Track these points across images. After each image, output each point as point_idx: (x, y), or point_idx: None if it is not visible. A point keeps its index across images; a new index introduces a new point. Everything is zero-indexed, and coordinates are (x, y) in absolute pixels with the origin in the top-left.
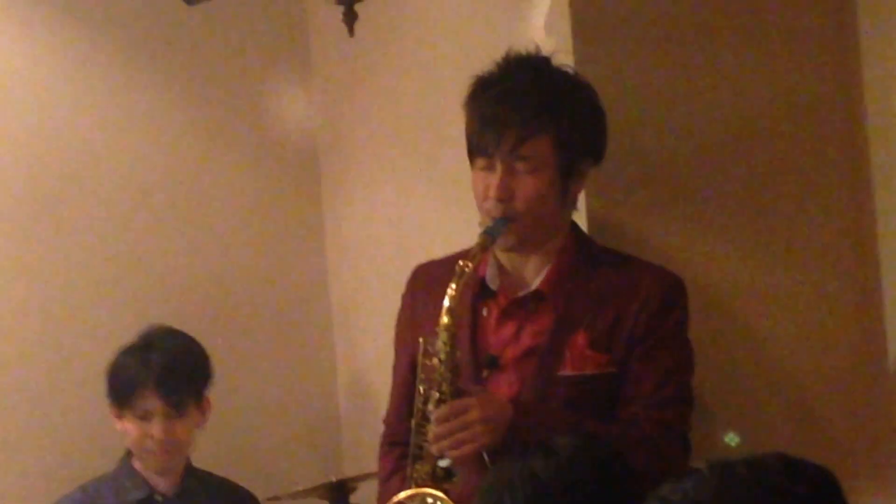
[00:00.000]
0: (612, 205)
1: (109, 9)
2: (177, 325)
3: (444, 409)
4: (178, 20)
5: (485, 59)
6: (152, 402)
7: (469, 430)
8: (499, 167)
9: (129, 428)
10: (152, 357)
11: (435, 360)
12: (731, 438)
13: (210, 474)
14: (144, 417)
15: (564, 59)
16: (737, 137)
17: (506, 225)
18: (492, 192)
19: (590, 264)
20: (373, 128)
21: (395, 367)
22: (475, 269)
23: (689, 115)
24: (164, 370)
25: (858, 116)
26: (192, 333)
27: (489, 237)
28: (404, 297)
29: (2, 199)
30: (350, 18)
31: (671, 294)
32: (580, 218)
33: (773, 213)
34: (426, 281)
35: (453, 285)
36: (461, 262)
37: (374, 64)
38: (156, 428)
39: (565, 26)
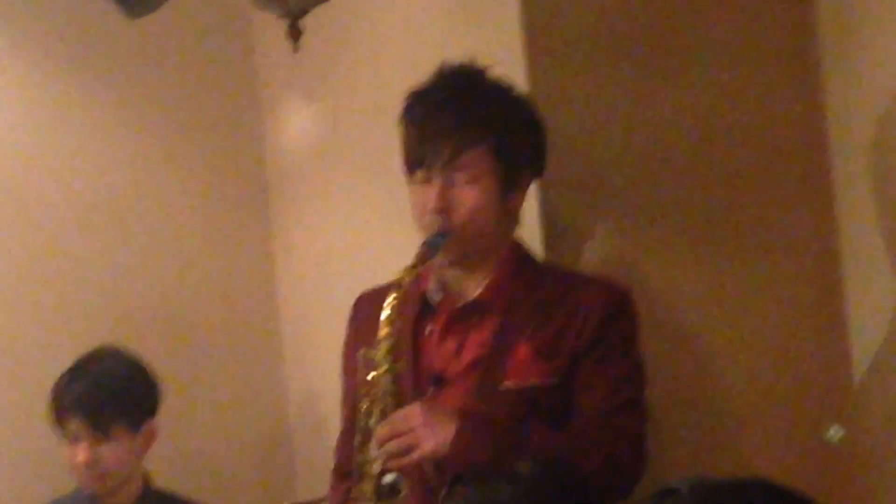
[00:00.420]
0: (567, 217)
1: (51, 25)
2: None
3: (386, 422)
4: (122, 37)
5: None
6: (77, 426)
7: (412, 436)
8: (436, 179)
9: (65, 452)
10: (80, 380)
11: (376, 374)
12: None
13: (171, 496)
14: (73, 441)
15: (517, 72)
16: (693, 149)
17: (446, 238)
18: (430, 205)
19: (532, 277)
20: (322, 146)
21: (344, 398)
22: (414, 280)
23: (645, 126)
24: (88, 393)
25: (818, 126)
26: (139, 355)
27: (429, 249)
28: (348, 327)
29: None
30: (295, 34)
31: (617, 305)
32: (535, 231)
33: (732, 226)
34: (369, 309)
35: (392, 295)
36: (399, 274)
37: (322, 82)
38: (80, 452)
39: (518, 41)
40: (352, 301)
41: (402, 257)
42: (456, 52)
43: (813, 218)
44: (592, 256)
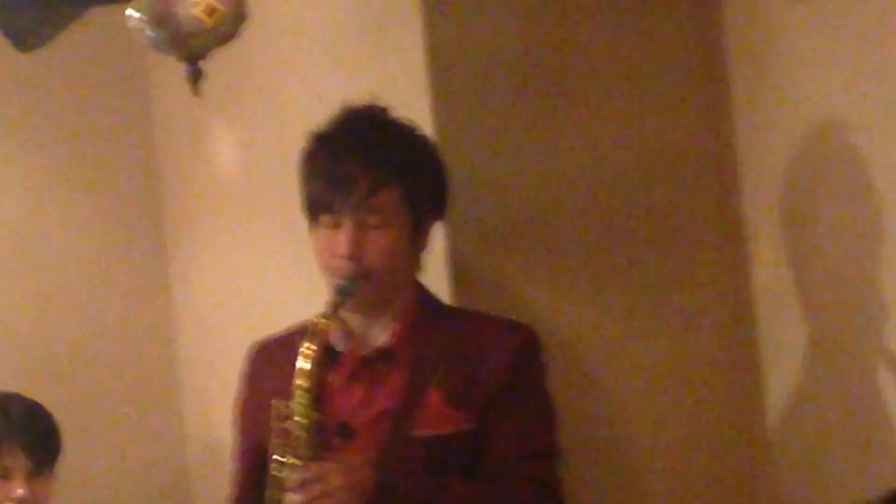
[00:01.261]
0: (475, 258)
1: None
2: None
3: (302, 474)
4: (13, 69)
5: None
6: (14, 458)
7: (333, 498)
8: (347, 223)
9: None
10: (12, 412)
11: (291, 424)
12: None
13: None
14: (4, 476)
15: (422, 111)
16: (604, 190)
17: (357, 284)
18: (341, 250)
19: (438, 321)
20: (221, 184)
21: (238, 450)
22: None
23: (551, 165)
24: (28, 425)
25: (728, 161)
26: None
27: (342, 296)
28: (243, 376)
29: None
30: (195, 76)
31: (526, 346)
32: (442, 273)
33: (641, 265)
34: (266, 359)
35: (307, 344)
36: (315, 320)
37: (221, 119)
38: (17, 485)
39: (423, 79)
40: (249, 344)
41: (303, 298)
42: (360, 90)
43: (723, 256)
44: (499, 298)
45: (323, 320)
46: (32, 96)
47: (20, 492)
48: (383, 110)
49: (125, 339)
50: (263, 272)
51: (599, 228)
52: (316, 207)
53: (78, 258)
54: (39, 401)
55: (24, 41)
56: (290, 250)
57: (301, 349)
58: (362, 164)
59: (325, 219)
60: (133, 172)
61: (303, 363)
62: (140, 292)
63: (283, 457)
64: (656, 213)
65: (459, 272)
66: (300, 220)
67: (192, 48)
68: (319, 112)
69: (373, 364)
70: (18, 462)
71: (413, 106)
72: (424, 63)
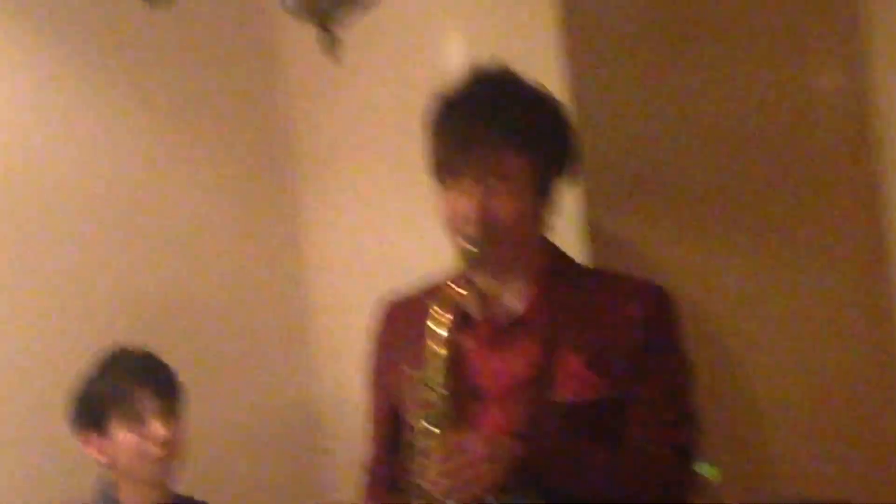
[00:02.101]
0: (610, 216)
1: (71, 17)
2: (146, 344)
3: (447, 447)
4: (139, 25)
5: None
6: (147, 402)
7: (476, 469)
8: (473, 187)
9: (122, 440)
10: (135, 361)
11: (427, 392)
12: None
13: (202, 503)
14: (141, 421)
15: (553, 65)
16: (738, 144)
17: (484, 248)
18: (468, 213)
19: (572, 284)
20: (349, 139)
21: (375, 409)
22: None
23: (687, 122)
24: (150, 369)
25: (867, 117)
26: (163, 351)
27: (470, 261)
28: (374, 334)
29: None
30: (331, 43)
31: (660, 307)
32: (576, 231)
33: (777, 223)
34: (398, 316)
35: (440, 311)
36: (450, 286)
37: (350, 76)
38: (155, 426)
39: (553, 33)
40: (379, 294)
41: (430, 253)
42: (490, 48)
43: (859, 212)
44: (633, 255)
45: (454, 286)
46: (161, 55)
47: (161, 430)
48: (512, 73)
49: (258, 290)
50: (392, 225)
51: (733, 183)
52: (442, 171)
53: (210, 215)
54: (172, 353)
55: None
56: (418, 205)
57: (434, 315)
58: (488, 128)
59: (451, 182)
60: (262, 129)
61: (437, 329)
62: (271, 246)
63: (420, 425)
64: (791, 166)
65: (594, 230)
66: (425, 174)
67: (330, 16)
68: (446, 67)
69: (508, 330)
70: (150, 404)
71: (544, 64)
72: (556, 21)
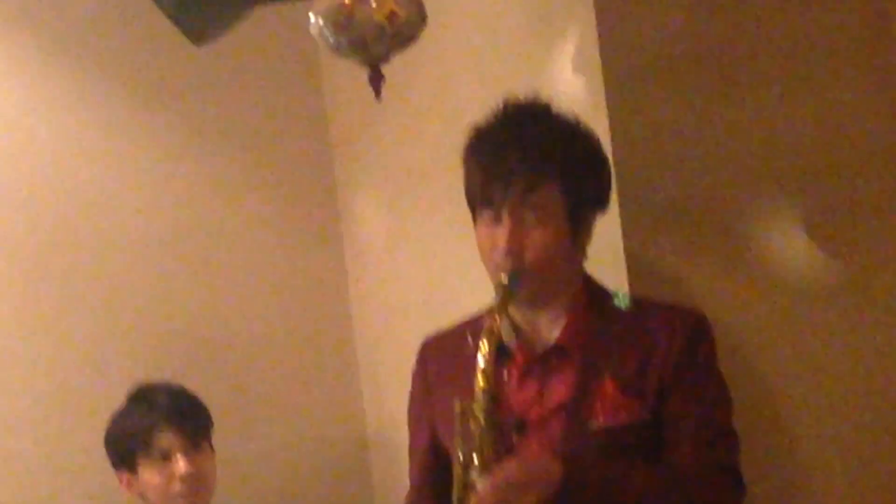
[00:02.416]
0: (648, 246)
1: (119, 53)
2: (199, 378)
3: (492, 475)
4: (186, 61)
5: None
6: (169, 439)
7: (521, 495)
8: (507, 218)
9: (147, 478)
10: (158, 398)
11: (474, 425)
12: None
13: None
14: (165, 457)
15: (594, 96)
16: (776, 176)
17: (518, 279)
18: (501, 245)
19: (607, 312)
20: (394, 179)
21: (413, 445)
22: (481, 321)
23: (724, 152)
24: (174, 406)
25: None
26: (215, 386)
27: (507, 292)
28: (415, 372)
29: (6, 253)
30: (377, 81)
31: (696, 331)
32: (618, 260)
33: (814, 252)
34: (437, 352)
35: (484, 346)
36: (489, 319)
37: (393, 111)
38: (179, 463)
39: (592, 64)
40: (425, 326)
41: (476, 286)
42: (530, 81)
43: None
44: (673, 285)
45: (493, 319)
46: (208, 91)
47: (185, 466)
48: (545, 104)
49: (305, 325)
50: (438, 260)
51: (772, 215)
52: (476, 202)
53: (258, 249)
54: (223, 384)
55: (198, 34)
56: (464, 240)
57: (472, 347)
58: (522, 159)
59: (485, 213)
60: (308, 164)
61: (481, 363)
62: (318, 280)
63: (467, 458)
64: (828, 197)
65: (631, 260)
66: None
67: (374, 53)
68: (490, 103)
69: (544, 358)
70: (175, 441)
71: (585, 95)
72: (596, 52)
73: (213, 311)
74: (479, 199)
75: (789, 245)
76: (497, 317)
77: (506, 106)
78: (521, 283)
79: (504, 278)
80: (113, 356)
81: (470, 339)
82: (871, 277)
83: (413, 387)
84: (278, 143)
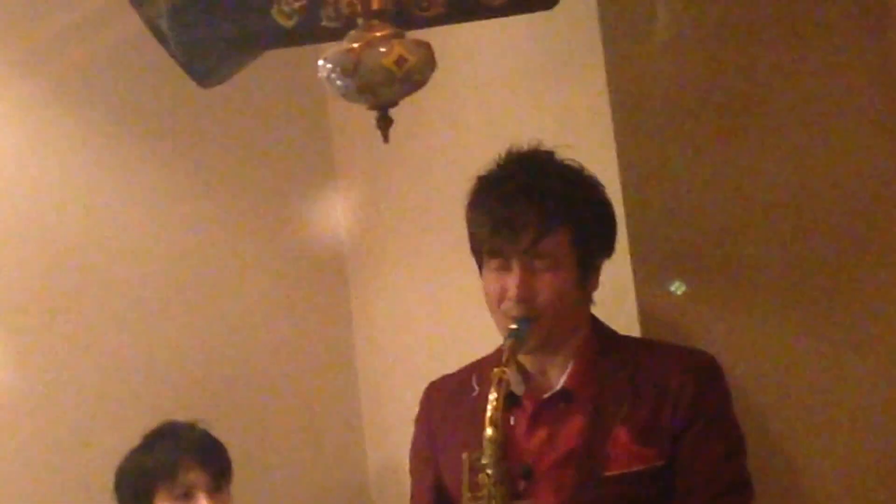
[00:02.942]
0: (659, 290)
1: (125, 94)
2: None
3: None
4: (197, 109)
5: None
6: (195, 476)
7: None
8: (516, 266)
9: None
10: (183, 435)
11: (483, 476)
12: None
13: None
14: (187, 495)
15: (604, 141)
16: (787, 219)
17: (528, 326)
18: (511, 293)
19: (617, 357)
20: (402, 222)
21: (416, 491)
22: (489, 367)
23: (738, 198)
24: (201, 444)
25: None
26: (220, 429)
27: (518, 339)
28: (419, 417)
29: (8, 290)
30: (385, 125)
31: (707, 375)
32: (629, 306)
33: (823, 297)
34: (442, 397)
35: (494, 394)
36: (497, 370)
37: (402, 156)
38: (202, 502)
39: (602, 111)
40: (429, 370)
41: (483, 333)
42: (541, 126)
43: None
44: (684, 328)
45: (502, 368)
46: (217, 134)
47: None
48: (548, 152)
49: (310, 368)
50: (442, 305)
51: (783, 258)
52: (484, 250)
53: (264, 289)
54: (226, 425)
55: (205, 77)
56: (468, 285)
57: (479, 395)
58: (530, 209)
59: (493, 262)
60: (316, 208)
61: (490, 412)
62: (324, 324)
63: None
64: (840, 244)
65: (644, 306)
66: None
67: (382, 98)
68: (499, 148)
69: (554, 405)
70: (199, 479)
71: (595, 142)
72: (607, 97)
73: (218, 355)
74: (487, 248)
75: (800, 290)
76: (507, 365)
77: (509, 155)
78: (531, 330)
79: (514, 325)
80: (121, 398)
81: (475, 383)
82: (877, 320)
83: (417, 431)
84: (286, 188)
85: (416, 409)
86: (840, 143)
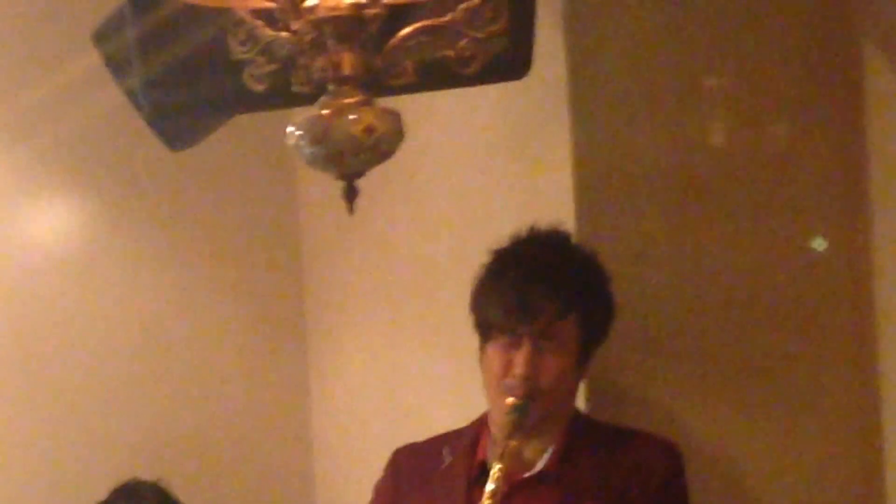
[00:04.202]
0: (616, 369)
1: (91, 157)
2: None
3: None
4: (164, 171)
5: (480, 216)
6: None
7: None
8: (526, 345)
9: None
10: (147, 495)
11: None
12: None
13: None
14: None
15: (566, 220)
16: (747, 303)
17: (529, 404)
18: (518, 370)
19: (590, 440)
20: (362, 294)
21: None
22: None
23: (696, 278)
24: (161, 502)
25: (865, 281)
26: (178, 490)
27: (522, 415)
28: (384, 481)
29: None
30: (351, 195)
31: (671, 467)
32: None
33: (779, 377)
34: (411, 464)
35: (498, 466)
36: (505, 443)
37: (365, 228)
38: None
39: (568, 190)
40: (385, 443)
41: (434, 403)
42: (504, 203)
43: (854, 365)
44: (638, 409)
45: (506, 443)
46: (181, 197)
47: None
48: (566, 236)
49: (265, 430)
50: (401, 377)
51: (741, 342)
52: (494, 326)
53: (222, 351)
54: (180, 488)
55: (175, 139)
56: (428, 356)
57: (492, 472)
58: (546, 291)
59: (501, 338)
60: (276, 273)
61: (490, 486)
62: (280, 388)
63: None
64: (793, 327)
65: (596, 382)
66: (439, 324)
67: (350, 166)
68: (463, 223)
69: (530, 486)
70: None
71: (557, 215)
72: (571, 177)
73: (177, 419)
74: (499, 324)
75: (760, 370)
76: (511, 440)
77: (529, 234)
78: (532, 409)
79: (515, 402)
80: (79, 456)
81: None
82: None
83: (378, 494)
84: (250, 255)
85: (370, 480)
86: (795, 226)
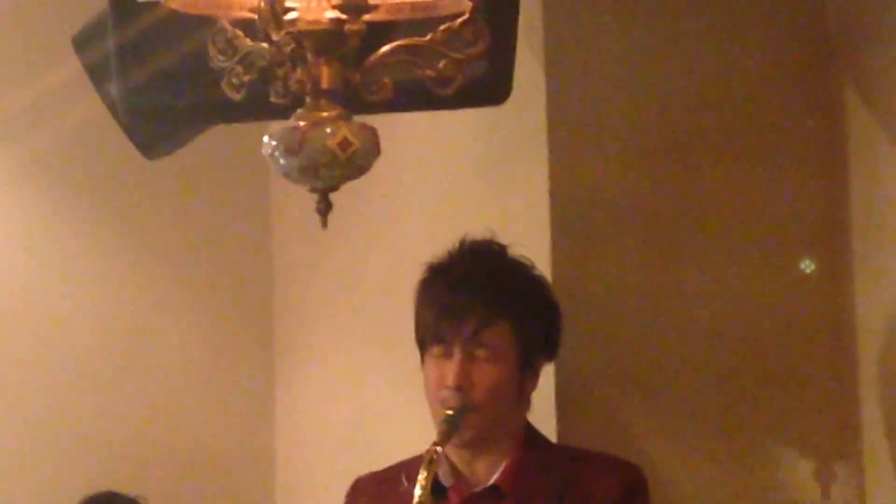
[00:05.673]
0: (583, 398)
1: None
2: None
3: None
4: (135, 174)
5: (453, 240)
6: None
7: None
8: (457, 354)
9: None
10: None
11: None
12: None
13: None
14: None
15: (541, 245)
16: (717, 338)
17: (463, 415)
18: (450, 381)
19: (545, 459)
20: (332, 305)
21: None
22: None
23: (668, 311)
24: None
25: (846, 328)
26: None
27: (452, 425)
28: None
29: None
30: (324, 209)
31: (633, 485)
32: (549, 409)
33: (751, 420)
34: (370, 493)
35: (424, 473)
36: (430, 448)
37: (337, 243)
38: None
39: (543, 215)
40: (350, 471)
41: (406, 430)
42: (479, 226)
43: (833, 411)
44: (605, 438)
45: (435, 448)
46: (154, 206)
47: None
48: (501, 246)
49: (227, 458)
50: (369, 402)
51: (710, 376)
52: (427, 337)
53: (189, 366)
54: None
55: (151, 148)
56: (398, 381)
57: (419, 480)
58: (476, 297)
59: (435, 349)
60: (247, 290)
61: (417, 494)
62: (245, 414)
63: None
64: (768, 366)
65: (564, 411)
66: (408, 350)
67: (324, 180)
68: (435, 245)
69: (482, 501)
70: None
71: (532, 244)
72: (546, 202)
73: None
74: (431, 334)
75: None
76: (438, 447)
77: (462, 244)
78: (466, 419)
79: (449, 413)
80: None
81: (405, 481)
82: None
83: None
84: (219, 267)
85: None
86: (775, 273)
